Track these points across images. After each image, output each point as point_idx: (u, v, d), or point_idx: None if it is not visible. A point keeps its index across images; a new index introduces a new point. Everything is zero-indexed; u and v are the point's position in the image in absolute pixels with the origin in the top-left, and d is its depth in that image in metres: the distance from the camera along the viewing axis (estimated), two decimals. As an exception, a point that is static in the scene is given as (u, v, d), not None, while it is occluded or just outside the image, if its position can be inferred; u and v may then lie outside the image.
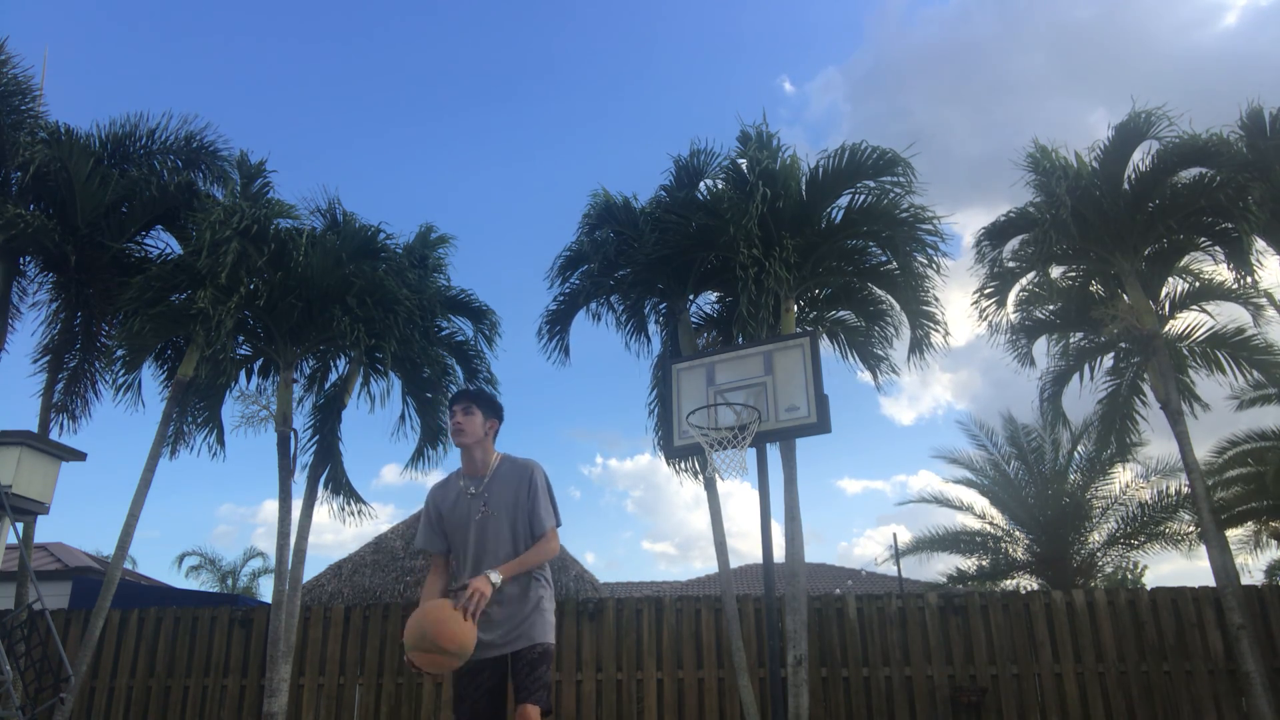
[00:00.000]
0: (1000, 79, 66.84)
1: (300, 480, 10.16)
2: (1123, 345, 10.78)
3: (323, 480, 10.68)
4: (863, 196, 9.46)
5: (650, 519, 65.35)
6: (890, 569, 18.58)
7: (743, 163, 9.85)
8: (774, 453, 8.71)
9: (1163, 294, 10.58)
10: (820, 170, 9.39)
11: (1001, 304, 11.24)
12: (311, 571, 15.87)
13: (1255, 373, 10.48)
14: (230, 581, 26.49)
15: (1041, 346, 11.54)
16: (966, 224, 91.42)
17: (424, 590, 3.55)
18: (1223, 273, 10.49)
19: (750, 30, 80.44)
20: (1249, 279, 10.00)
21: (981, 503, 15.54)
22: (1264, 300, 10.28)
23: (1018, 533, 15.29)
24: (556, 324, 10.94)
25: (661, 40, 75.86)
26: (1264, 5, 62.05)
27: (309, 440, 10.65)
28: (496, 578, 3.26)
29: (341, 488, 10.97)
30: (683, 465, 10.28)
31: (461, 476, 3.63)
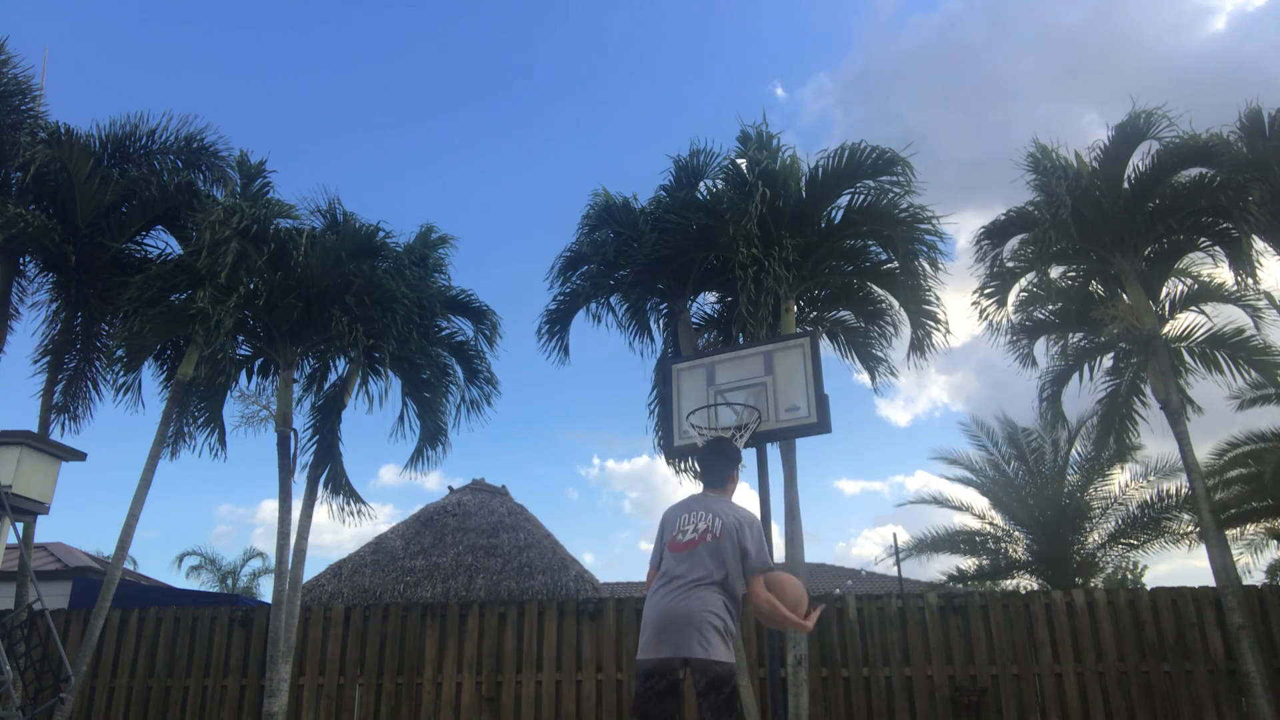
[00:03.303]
0: (990, 83, 66.74)
1: (300, 480, 10.19)
2: (1122, 345, 10.78)
3: (322, 480, 10.69)
4: (862, 196, 9.48)
5: (648, 520, 65.43)
6: (889, 569, 18.56)
7: (742, 163, 9.84)
8: (774, 452, 8.71)
9: (1162, 294, 10.58)
10: (820, 170, 9.40)
11: (1001, 304, 11.25)
12: (311, 571, 15.83)
13: (1254, 373, 10.48)
14: (230, 581, 26.45)
15: (1041, 347, 11.56)
16: (959, 227, 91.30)
17: None
18: (1222, 273, 10.51)
19: (743, 35, 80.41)
20: (1249, 279, 10.01)
21: (981, 503, 15.52)
22: (1263, 301, 10.29)
23: (1017, 533, 15.26)
24: (557, 324, 10.96)
25: (656, 44, 75.95)
26: (1252, 11, 62.06)
27: (309, 440, 10.67)
28: None
29: (341, 488, 10.98)
30: (683, 465, 10.26)
31: None
